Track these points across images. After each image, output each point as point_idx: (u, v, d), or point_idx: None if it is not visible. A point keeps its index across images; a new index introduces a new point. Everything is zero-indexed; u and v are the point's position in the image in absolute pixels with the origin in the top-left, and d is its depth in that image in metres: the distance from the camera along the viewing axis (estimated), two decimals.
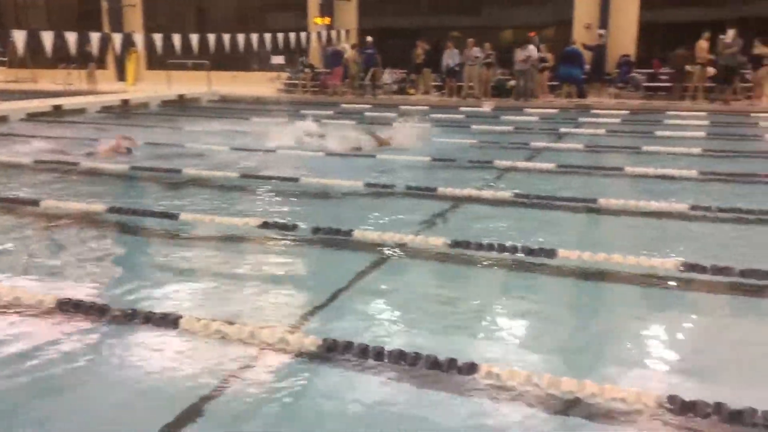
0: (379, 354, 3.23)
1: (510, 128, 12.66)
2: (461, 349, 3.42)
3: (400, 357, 3.19)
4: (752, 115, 14.22)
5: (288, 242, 5.31)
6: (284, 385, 3.10)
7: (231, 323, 3.60)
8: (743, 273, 4.27)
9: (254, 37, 19.17)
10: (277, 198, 6.92)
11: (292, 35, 19.80)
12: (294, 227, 5.51)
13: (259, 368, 3.25)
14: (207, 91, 19.98)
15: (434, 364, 3.14)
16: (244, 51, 19.16)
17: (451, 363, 3.12)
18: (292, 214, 6.23)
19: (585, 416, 2.84)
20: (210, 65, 20.55)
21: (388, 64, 20.17)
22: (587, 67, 18.00)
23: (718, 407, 2.75)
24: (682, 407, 2.78)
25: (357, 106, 16.95)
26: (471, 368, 3.08)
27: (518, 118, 14.30)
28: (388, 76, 20.11)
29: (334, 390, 3.06)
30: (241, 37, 18.95)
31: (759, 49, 15.54)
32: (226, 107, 17.80)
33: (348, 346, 3.30)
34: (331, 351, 3.31)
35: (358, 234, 5.25)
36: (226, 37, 18.79)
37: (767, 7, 17.98)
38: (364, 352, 3.26)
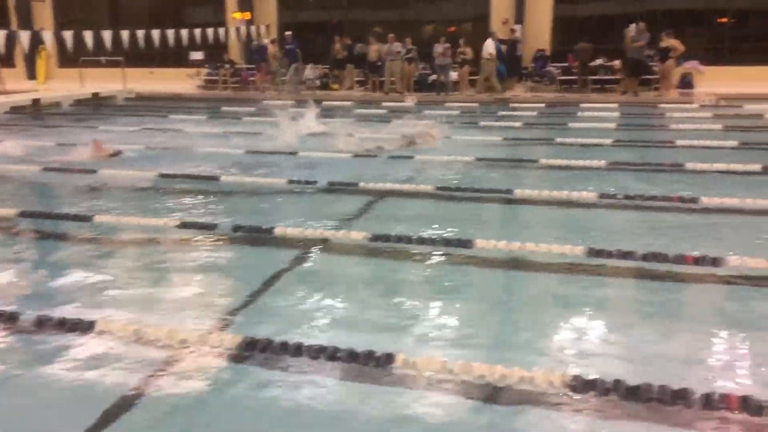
0: (298, 350, 3.27)
1: (431, 122, 12.85)
2: (383, 341, 3.49)
3: (319, 352, 3.25)
4: (660, 106, 14.92)
5: (208, 241, 5.27)
6: (205, 385, 3.11)
7: (149, 324, 3.57)
8: (645, 257, 4.53)
9: (170, 32, 18.72)
10: (197, 197, 6.84)
11: (210, 30, 19.44)
12: (214, 226, 5.47)
13: (179, 369, 3.24)
14: (122, 88, 19.39)
15: (352, 357, 3.21)
16: (160, 47, 18.69)
17: (369, 355, 3.20)
18: (212, 213, 6.18)
19: (499, 400, 2.98)
20: (125, 62, 19.94)
21: (310, 60, 20.10)
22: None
23: (617, 384, 2.94)
24: (584, 386, 2.95)
25: (279, 102, 16.83)
26: (388, 359, 3.17)
27: (440, 112, 14.53)
28: (310, 72, 20.04)
29: (256, 389, 3.09)
30: (156, 33, 18.48)
31: (666, 42, 16.31)
32: (144, 105, 17.34)
33: (269, 343, 3.34)
34: (252, 349, 3.34)
35: (279, 231, 5.27)
36: (141, 33, 18.29)
37: (674, 0, 18.91)
38: (284, 348, 3.30)
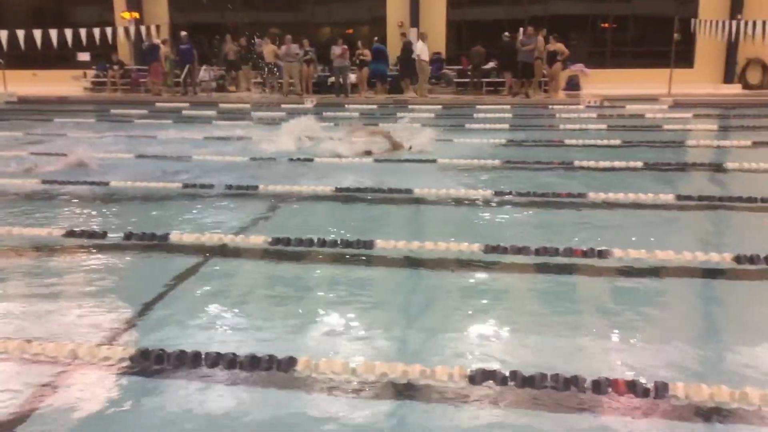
0: (196, 359, 3.18)
1: (331, 124, 12.85)
2: (285, 345, 3.46)
3: (218, 359, 3.17)
4: (549, 107, 15.58)
5: (98, 251, 5.03)
6: (97, 401, 2.96)
7: (35, 338, 3.36)
8: (538, 251, 4.71)
9: (53, 32, 17.75)
10: (86, 204, 6.51)
11: (96, 30, 18.59)
12: (104, 234, 5.23)
13: (69, 385, 3.07)
14: (3, 91, 18.20)
15: (253, 363, 3.15)
16: (43, 47, 17.68)
17: (271, 360, 3.15)
18: (102, 221, 5.91)
19: (403, 396, 3.01)
20: (5, 64, 18.73)
21: (205, 61, 19.62)
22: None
23: (513, 374, 3.03)
24: (483, 377, 3.03)
25: (173, 104, 16.32)
26: (290, 363, 3.13)
27: (339, 114, 14.56)
28: (205, 73, 19.56)
29: (151, 402, 2.97)
30: (38, 33, 17.47)
31: (553, 45, 17.06)
32: (27, 109, 16.35)
33: (164, 353, 3.22)
34: (146, 360, 3.20)
35: (175, 237, 5.10)
36: (21, 33, 17.24)
37: (561, 6, 19.82)
38: (181, 358, 3.20)
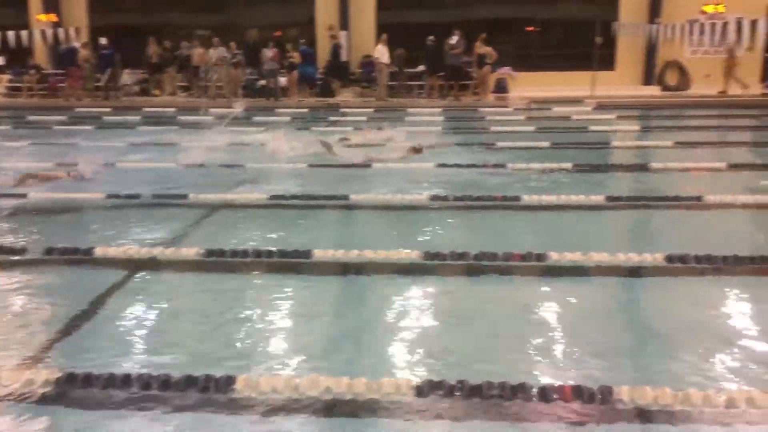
0: (126, 381, 2.99)
1: (261, 129, 12.64)
2: (223, 363, 3.31)
3: (150, 381, 2.99)
4: (479, 109, 15.78)
5: (17, 267, 4.72)
6: (20, 429, 2.74)
7: None
8: (477, 257, 4.70)
9: None
10: (2, 219, 6.13)
11: (11, 33, 17.68)
12: (23, 250, 4.91)
13: None
14: None
15: (189, 383, 2.99)
16: None
17: (208, 379, 3.00)
18: (20, 235, 5.56)
19: (348, 413, 2.91)
20: None
21: (127, 65, 18.96)
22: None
23: (461, 384, 2.99)
24: (430, 388, 2.97)
25: (95, 110, 15.69)
26: (228, 382, 2.99)
27: (271, 118, 14.33)
28: (127, 77, 18.91)
29: (79, 428, 2.77)
30: None
31: (481, 49, 17.30)
32: None
33: (92, 376, 3.02)
34: (72, 384, 2.99)
35: (100, 251, 4.84)
36: None
37: (488, 10, 20.15)
38: (110, 381, 3.00)
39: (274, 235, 5.57)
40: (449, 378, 3.04)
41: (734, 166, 7.95)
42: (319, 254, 4.79)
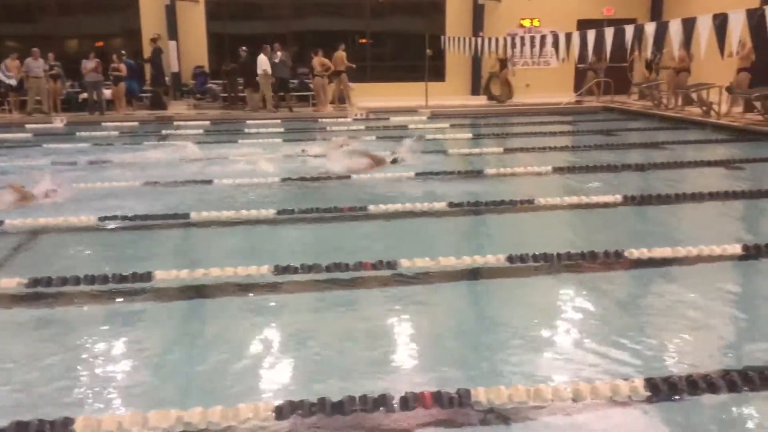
0: None
1: (87, 145, 11.78)
2: (56, 405, 2.98)
3: None
4: (319, 120, 15.78)
5: None
6: None
7: None
8: (329, 268, 4.65)
9: None
10: None
11: None
12: None
13: None
14: None
15: (20, 429, 2.66)
16: None
17: (41, 424, 2.69)
18: None
19: None
20: None
21: None
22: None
23: (322, 402, 2.91)
24: (289, 409, 2.86)
25: None
26: (64, 424, 2.69)
27: (96, 133, 13.40)
28: None
29: None
30: None
31: (316, 60, 17.32)
32: None
33: None
34: None
35: None
36: None
37: (320, 22, 20.27)
38: None
39: (108, 260, 5.16)
40: (309, 397, 2.95)
41: (558, 170, 8.57)
42: (161, 275, 4.51)
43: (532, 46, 15.17)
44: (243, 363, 3.48)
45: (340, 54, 17.72)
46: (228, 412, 2.86)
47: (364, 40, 20.48)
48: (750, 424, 2.94)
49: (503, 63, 18.91)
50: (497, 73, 19.64)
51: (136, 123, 15.40)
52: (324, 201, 6.81)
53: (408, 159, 9.34)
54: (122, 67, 16.84)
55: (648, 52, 14.70)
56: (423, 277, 4.64)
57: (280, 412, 2.87)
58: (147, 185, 7.91)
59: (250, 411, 2.88)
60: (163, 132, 13.73)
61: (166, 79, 18.74)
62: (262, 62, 16.66)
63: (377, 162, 9.00)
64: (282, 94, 17.60)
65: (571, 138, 12.83)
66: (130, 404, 3.05)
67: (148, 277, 4.53)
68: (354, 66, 18.12)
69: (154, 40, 17.98)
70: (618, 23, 13.15)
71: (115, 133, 13.72)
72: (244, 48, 17.34)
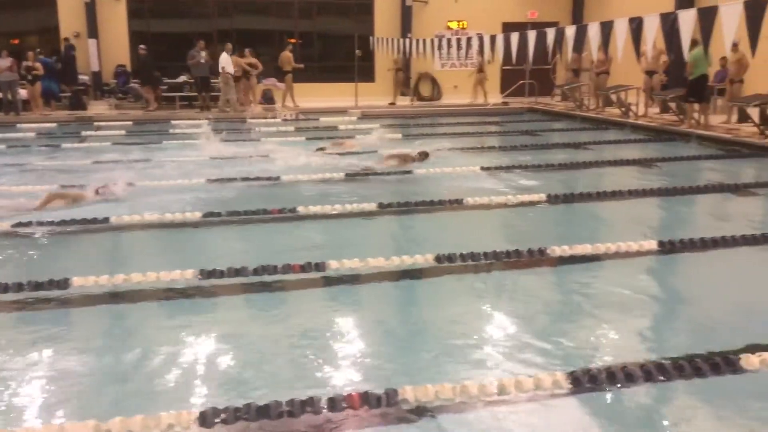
0: None
1: (2, 147, 11.25)
2: None
3: None
4: (249, 121, 15.52)
5: None
6: None
7: None
8: (256, 271, 4.58)
9: None
10: None
11: None
12: None
13: None
14: None
15: None
16: None
17: None
18: None
19: None
20: None
21: None
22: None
23: (248, 406, 2.86)
24: (213, 416, 2.80)
25: None
26: None
27: (11, 135, 12.80)
28: None
29: None
30: None
31: (247, 60, 17.05)
32: None
33: None
34: None
35: None
36: None
37: (247, 21, 19.99)
38: None
39: (21, 267, 4.93)
40: (234, 402, 2.90)
41: (486, 169, 8.73)
42: (80, 282, 4.34)
43: (459, 48, 15.40)
44: (166, 370, 3.38)
45: (287, 54, 17.55)
46: (149, 421, 2.78)
47: (293, 40, 20.29)
48: (667, 412, 3.06)
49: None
50: (428, 74, 19.88)
51: (54, 124, 14.78)
52: (251, 203, 6.71)
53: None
54: (38, 65, 16.13)
55: (569, 55, 15.18)
56: (352, 278, 4.63)
57: (204, 419, 2.80)
58: (66, 188, 7.58)
59: (173, 418, 2.80)
60: (83, 133, 13.24)
61: (86, 78, 18.10)
62: (224, 61, 16.32)
63: (407, 159, 9.31)
64: (204, 94, 17.24)
65: (498, 138, 13.10)
66: (46, 416, 2.92)
67: (65, 283, 4.36)
68: (302, 66, 17.97)
69: (67, 39, 17.35)
70: (541, 26, 13.52)
71: (32, 134, 13.15)
72: (142, 47, 16.94)
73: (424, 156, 9.51)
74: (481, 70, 18.41)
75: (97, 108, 17.35)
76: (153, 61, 16.77)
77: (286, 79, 17.65)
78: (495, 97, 19.23)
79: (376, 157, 9.60)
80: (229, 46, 16.65)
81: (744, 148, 10.37)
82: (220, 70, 16.36)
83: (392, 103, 18.46)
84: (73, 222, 5.98)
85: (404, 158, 9.35)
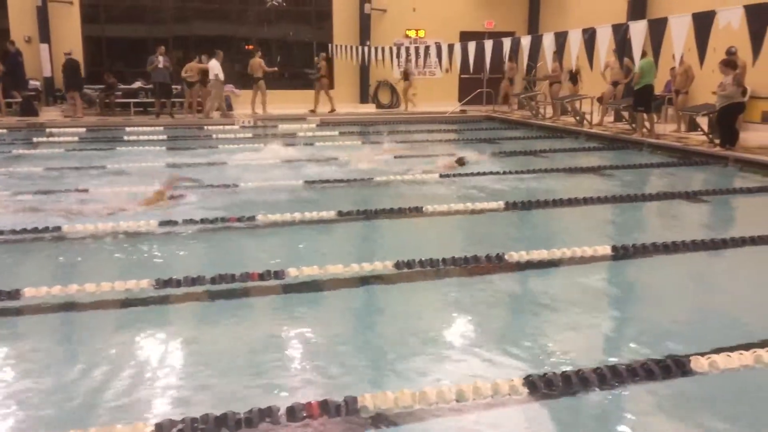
0: None
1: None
2: None
3: None
4: (205, 127, 15.36)
5: None
6: None
7: None
8: (214, 280, 4.53)
9: None
10: None
11: None
12: None
13: None
14: None
15: None
16: None
17: None
18: None
19: None
20: None
21: None
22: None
23: (205, 417, 2.82)
24: (169, 427, 2.76)
25: None
26: None
27: None
28: None
29: None
30: None
31: (203, 66, 16.88)
32: None
33: None
34: None
35: None
36: None
37: (203, 27, 19.79)
38: None
39: None
40: (191, 413, 2.86)
41: (445, 176, 8.80)
42: (31, 293, 4.23)
43: (417, 56, 15.51)
44: (121, 381, 3.32)
45: (257, 60, 17.38)
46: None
47: (250, 47, 20.16)
48: (622, 416, 3.12)
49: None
50: (386, 82, 19.96)
51: (4, 130, 14.38)
52: (208, 212, 6.64)
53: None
54: None
55: (524, 64, 15.42)
56: (311, 286, 4.61)
57: (161, 430, 2.76)
58: (13, 196, 7.39)
59: (128, 430, 2.75)
60: (35, 140, 12.91)
61: (38, 84, 17.67)
62: (214, 67, 16.09)
63: (446, 165, 9.61)
64: (164, 100, 17.00)
65: (457, 145, 13.21)
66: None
67: (16, 294, 4.25)
68: (276, 69, 17.81)
69: (12, 42, 16.91)
70: (498, 36, 13.71)
71: None
72: (67, 51, 16.63)
73: (461, 162, 9.77)
74: (406, 78, 18.57)
75: (49, 114, 16.94)
76: (78, 65, 16.44)
77: (259, 86, 17.45)
78: (454, 106, 19.42)
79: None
80: (220, 53, 16.51)
81: (693, 156, 10.68)
82: (212, 77, 16.19)
83: (312, 111, 18.20)
84: (25, 231, 5.84)
85: (448, 166, 9.59)
